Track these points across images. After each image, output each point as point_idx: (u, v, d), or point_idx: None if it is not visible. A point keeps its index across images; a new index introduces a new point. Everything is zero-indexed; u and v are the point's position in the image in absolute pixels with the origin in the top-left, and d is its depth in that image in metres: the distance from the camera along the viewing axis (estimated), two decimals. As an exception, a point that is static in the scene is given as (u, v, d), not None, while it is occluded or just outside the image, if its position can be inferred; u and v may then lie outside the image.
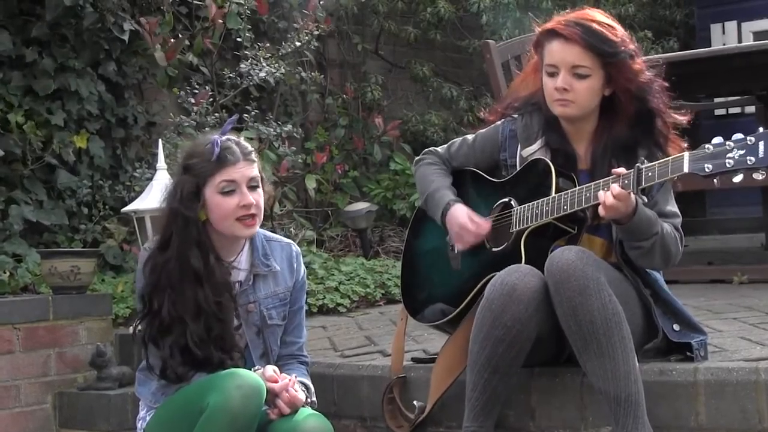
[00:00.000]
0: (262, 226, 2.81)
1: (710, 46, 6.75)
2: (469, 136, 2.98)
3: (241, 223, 2.68)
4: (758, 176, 2.39)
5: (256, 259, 2.79)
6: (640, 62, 2.69)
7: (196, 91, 4.73)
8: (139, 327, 2.70)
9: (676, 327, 2.72)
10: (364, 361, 3.28)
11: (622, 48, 2.66)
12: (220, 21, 4.84)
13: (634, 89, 2.67)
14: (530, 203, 2.71)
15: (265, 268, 2.79)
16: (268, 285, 2.80)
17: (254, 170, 2.71)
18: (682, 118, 2.72)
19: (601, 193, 2.55)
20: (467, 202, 2.90)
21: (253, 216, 2.68)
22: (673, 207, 2.74)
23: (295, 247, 2.89)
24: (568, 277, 2.52)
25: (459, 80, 6.68)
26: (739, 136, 2.41)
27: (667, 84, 2.72)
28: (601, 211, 2.55)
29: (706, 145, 2.44)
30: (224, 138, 2.70)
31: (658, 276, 2.79)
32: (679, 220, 2.73)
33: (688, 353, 2.69)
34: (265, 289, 2.80)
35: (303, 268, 2.89)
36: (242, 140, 2.75)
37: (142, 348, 2.71)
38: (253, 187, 2.69)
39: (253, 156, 2.73)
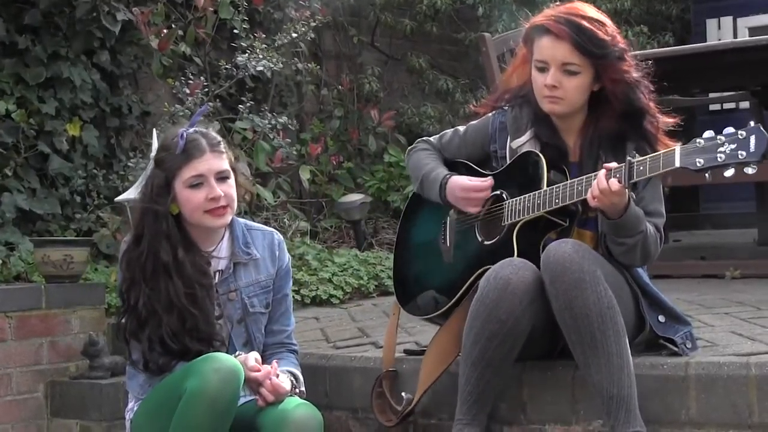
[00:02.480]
0: (255, 219, 2.81)
1: (706, 42, 6.75)
2: (461, 128, 2.98)
3: (210, 214, 2.68)
4: (749, 170, 2.39)
5: (237, 248, 2.79)
6: (629, 62, 2.68)
7: (191, 81, 4.72)
8: (122, 321, 2.70)
9: (661, 318, 2.72)
10: (356, 352, 3.28)
11: (611, 47, 2.65)
12: (212, 10, 4.83)
13: (621, 88, 2.67)
14: (522, 196, 2.71)
15: (245, 256, 2.79)
16: (249, 273, 2.80)
17: (223, 162, 2.69)
18: (670, 120, 2.72)
19: (594, 183, 2.54)
20: None
21: (223, 207, 2.68)
22: (659, 206, 2.73)
23: (278, 235, 2.88)
24: (565, 270, 2.52)
25: (455, 72, 6.67)
26: (730, 130, 2.41)
27: (652, 88, 2.71)
28: (590, 200, 2.55)
29: (698, 140, 2.44)
30: (191, 130, 2.68)
31: (641, 270, 2.79)
32: (662, 221, 2.73)
33: (674, 348, 2.70)
34: (246, 277, 2.79)
35: (287, 255, 2.88)
36: (211, 131, 2.74)
37: (124, 344, 2.71)
38: (222, 179, 2.68)
39: (222, 147, 2.71)
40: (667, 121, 2.72)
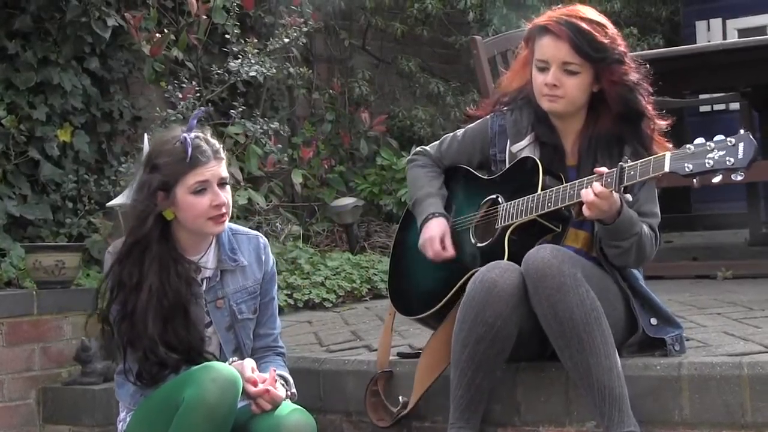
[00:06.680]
0: (248, 223, 2.82)
1: (695, 43, 6.76)
2: (458, 132, 2.99)
3: (212, 221, 2.68)
4: (737, 177, 2.40)
5: (223, 255, 2.78)
6: (628, 64, 2.70)
7: (184, 86, 4.71)
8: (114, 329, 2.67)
9: (653, 321, 2.73)
10: (349, 356, 3.28)
11: (610, 51, 2.67)
12: (205, 17, 4.83)
13: (618, 91, 2.68)
14: (516, 200, 2.72)
15: (232, 263, 2.79)
16: (237, 280, 2.79)
17: (224, 169, 2.70)
18: (664, 123, 2.73)
19: (584, 191, 2.55)
20: (457, 200, 2.92)
21: (223, 214, 2.69)
22: (653, 207, 2.75)
23: (263, 239, 2.88)
24: (545, 275, 2.53)
25: (446, 76, 6.67)
26: (720, 137, 2.43)
27: (651, 90, 2.73)
28: (585, 211, 2.56)
29: (688, 145, 2.46)
30: (193, 135, 2.67)
31: (637, 272, 2.79)
32: (656, 221, 2.74)
33: (663, 348, 2.71)
34: (233, 284, 2.79)
35: (272, 258, 2.88)
36: (209, 136, 2.73)
37: (118, 352, 2.68)
38: (222, 185, 2.69)
39: (222, 153, 2.72)
40: (661, 123, 2.73)
